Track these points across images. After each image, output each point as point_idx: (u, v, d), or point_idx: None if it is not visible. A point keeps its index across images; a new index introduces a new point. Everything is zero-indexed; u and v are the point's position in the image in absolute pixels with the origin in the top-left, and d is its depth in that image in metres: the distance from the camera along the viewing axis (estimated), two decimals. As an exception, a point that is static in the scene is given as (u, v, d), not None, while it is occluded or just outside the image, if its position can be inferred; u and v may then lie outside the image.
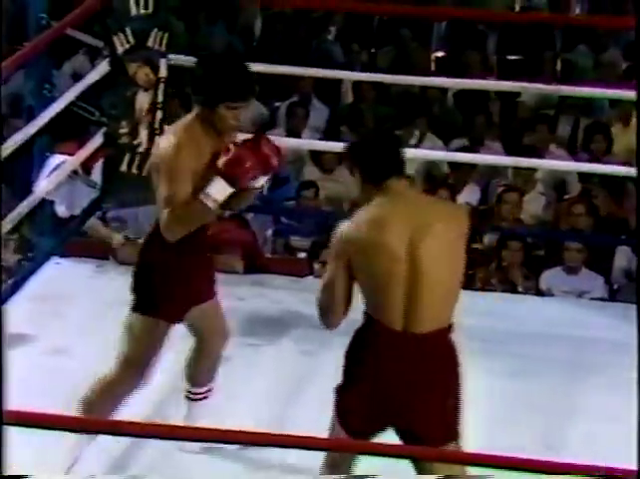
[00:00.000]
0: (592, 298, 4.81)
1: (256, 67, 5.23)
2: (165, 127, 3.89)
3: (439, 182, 5.77)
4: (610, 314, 4.07)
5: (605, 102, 6.18)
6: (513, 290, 4.82)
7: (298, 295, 4.07)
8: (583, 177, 5.61)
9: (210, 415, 3.14)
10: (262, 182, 2.90)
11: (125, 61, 3.96)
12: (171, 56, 4.13)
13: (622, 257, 5.18)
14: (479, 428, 2.79)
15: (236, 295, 4.10)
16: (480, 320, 3.85)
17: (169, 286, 2.89)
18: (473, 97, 6.27)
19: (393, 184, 2.53)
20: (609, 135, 5.99)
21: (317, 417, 3.21)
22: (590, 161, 5.51)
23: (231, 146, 2.78)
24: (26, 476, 2.23)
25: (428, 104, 6.43)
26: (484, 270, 5.07)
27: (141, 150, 4.08)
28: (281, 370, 3.56)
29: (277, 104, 6.47)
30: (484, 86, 5.61)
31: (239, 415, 3.27)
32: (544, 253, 5.29)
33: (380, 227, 2.48)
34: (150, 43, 4.03)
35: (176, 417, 3.14)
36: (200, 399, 3.14)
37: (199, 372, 3.12)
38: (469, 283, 4.92)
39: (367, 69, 6.28)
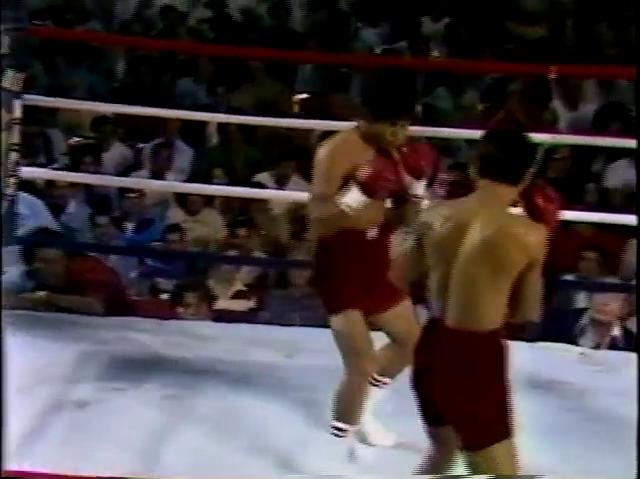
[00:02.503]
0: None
1: (119, 108, 5.28)
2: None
3: (307, 222, 5.78)
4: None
5: (463, 143, 6.34)
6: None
7: (162, 338, 4.01)
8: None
9: (75, 461, 3.05)
10: (421, 189, 3.09)
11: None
12: (27, 96, 4.05)
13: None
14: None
15: (99, 339, 4.02)
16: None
17: (342, 281, 3.11)
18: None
19: (487, 185, 2.55)
20: (467, 175, 6.11)
21: (181, 463, 3.18)
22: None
23: (375, 157, 3.00)
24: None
25: (294, 145, 6.47)
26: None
27: (-6, 191, 3.97)
28: (146, 415, 3.49)
29: (141, 145, 6.41)
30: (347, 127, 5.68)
31: (103, 461, 3.19)
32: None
33: (446, 218, 2.54)
34: (4, 83, 3.94)
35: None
36: (382, 386, 3.32)
37: (390, 366, 3.28)
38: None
39: (233, 111, 6.28)
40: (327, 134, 6.33)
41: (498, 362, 2.53)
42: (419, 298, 2.70)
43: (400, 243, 2.71)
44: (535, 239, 2.48)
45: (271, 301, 5.16)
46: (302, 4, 7.96)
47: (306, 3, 7.95)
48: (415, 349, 2.62)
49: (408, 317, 3.18)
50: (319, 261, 3.18)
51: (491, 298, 2.49)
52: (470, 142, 6.23)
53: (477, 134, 4.72)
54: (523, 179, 2.55)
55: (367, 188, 2.96)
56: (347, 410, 3.15)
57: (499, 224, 2.49)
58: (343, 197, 2.99)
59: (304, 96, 7.01)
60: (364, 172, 2.96)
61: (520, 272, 2.49)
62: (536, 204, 2.57)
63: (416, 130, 5.34)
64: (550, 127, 5.80)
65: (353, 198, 2.97)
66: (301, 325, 4.79)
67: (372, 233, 3.11)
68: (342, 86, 7.03)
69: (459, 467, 2.62)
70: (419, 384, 2.59)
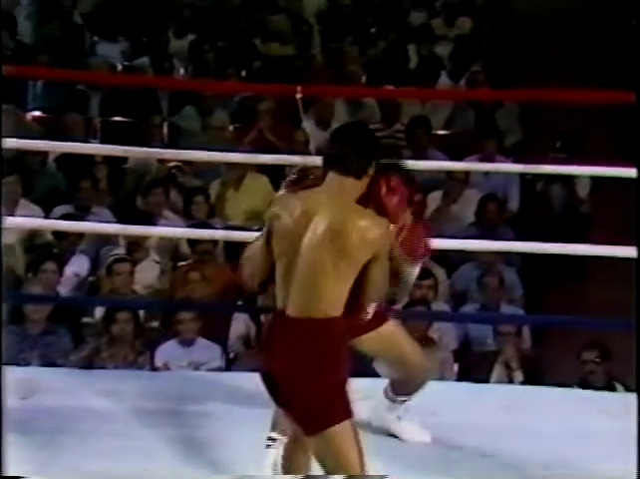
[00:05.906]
0: (209, 370, 4.63)
1: None
2: None
3: (44, 252, 5.35)
4: (226, 385, 3.82)
5: (221, 166, 6.06)
6: (130, 366, 4.50)
7: None
8: (193, 242, 5.40)
9: None
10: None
11: None
12: None
13: (239, 325, 5.02)
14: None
15: None
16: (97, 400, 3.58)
17: None
18: (76, 161, 5.89)
19: (333, 177, 2.60)
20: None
21: None
22: (200, 226, 5.31)
23: None
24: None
25: (25, 168, 5.97)
26: (94, 345, 4.72)
27: None
28: None
29: None
30: (87, 150, 5.25)
31: None
32: (160, 325, 5.01)
33: (294, 208, 2.60)
34: None
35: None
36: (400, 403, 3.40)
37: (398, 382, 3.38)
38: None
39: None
40: (64, 156, 6.00)
41: (336, 348, 2.59)
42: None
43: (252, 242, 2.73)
44: (378, 232, 2.56)
45: (5, 339, 4.69)
46: (30, 15, 7.47)
47: (35, 14, 7.46)
48: (261, 341, 2.69)
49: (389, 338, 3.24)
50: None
51: (333, 287, 2.56)
52: (228, 166, 5.94)
53: (233, 157, 4.62)
54: (366, 172, 2.61)
55: None
56: None
57: (344, 215, 2.57)
58: None
59: (36, 114, 6.57)
60: None
61: (363, 264, 2.56)
62: (379, 195, 2.65)
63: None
64: (302, 147, 5.64)
65: None
66: (39, 365, 4.59)
67: None
68: (79, 105, 6.61)
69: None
70: (265, 375, 2.63)
